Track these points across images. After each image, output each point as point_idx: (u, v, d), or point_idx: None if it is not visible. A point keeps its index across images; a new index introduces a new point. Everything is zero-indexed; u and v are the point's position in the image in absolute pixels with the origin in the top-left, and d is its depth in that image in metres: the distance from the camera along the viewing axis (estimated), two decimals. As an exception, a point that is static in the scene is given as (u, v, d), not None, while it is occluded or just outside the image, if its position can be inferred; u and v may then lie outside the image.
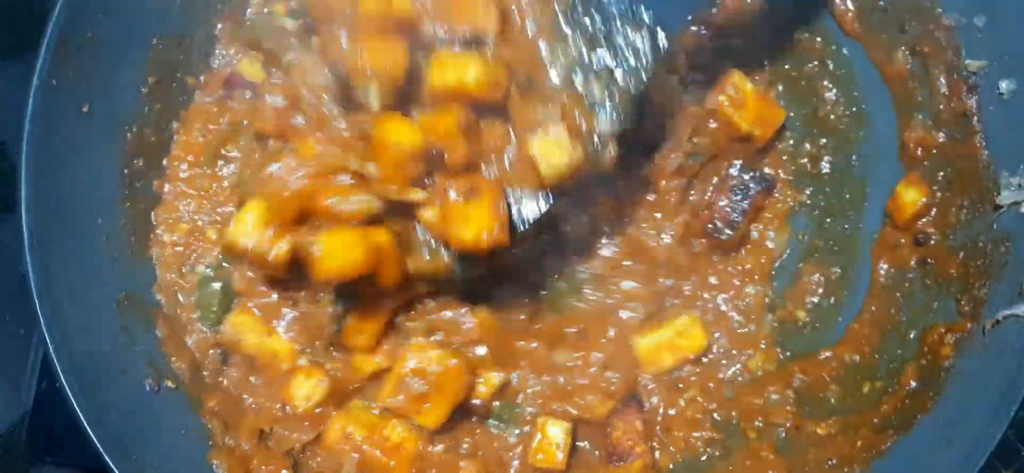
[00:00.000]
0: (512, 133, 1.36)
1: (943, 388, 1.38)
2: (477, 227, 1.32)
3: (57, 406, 1.83)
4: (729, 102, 1.54)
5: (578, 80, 1.34)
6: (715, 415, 1.57)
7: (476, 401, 1.50)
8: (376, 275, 1.36)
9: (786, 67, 1.65)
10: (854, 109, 1.62)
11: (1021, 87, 1.36)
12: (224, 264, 1.57)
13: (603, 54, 1.34)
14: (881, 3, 1.52)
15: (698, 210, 1.60)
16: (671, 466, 1.55)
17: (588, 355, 1.56)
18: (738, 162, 1.60)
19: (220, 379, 1.54)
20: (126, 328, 1.48)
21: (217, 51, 1.64)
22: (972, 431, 1.30)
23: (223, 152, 1.61)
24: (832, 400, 1.54)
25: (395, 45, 1.33)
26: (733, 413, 1.57)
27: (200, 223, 1.59)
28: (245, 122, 1.61)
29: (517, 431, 1.53)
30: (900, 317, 1.51)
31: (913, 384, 1.43)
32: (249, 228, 1.33)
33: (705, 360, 1.59)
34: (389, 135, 1.32)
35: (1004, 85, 1.37)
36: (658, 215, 1.60)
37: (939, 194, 1.49)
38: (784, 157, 1.66)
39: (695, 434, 1.57)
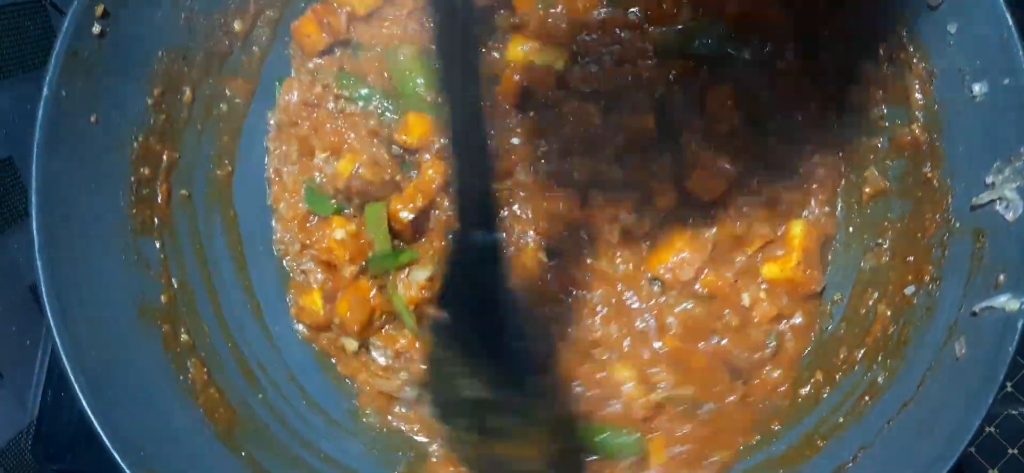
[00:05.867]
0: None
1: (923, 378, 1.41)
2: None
3: (62, 416, 1.86)
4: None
5: None
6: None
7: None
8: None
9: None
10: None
11: (992, 90, 1.37)
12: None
13: None
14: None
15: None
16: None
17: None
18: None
19: None
20: (135, 331, 1.49)
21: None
22: (952, 419, 1.32)
23: None
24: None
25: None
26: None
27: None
28: None
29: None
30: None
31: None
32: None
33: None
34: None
35: (977, 88, 1.39)
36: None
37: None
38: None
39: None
